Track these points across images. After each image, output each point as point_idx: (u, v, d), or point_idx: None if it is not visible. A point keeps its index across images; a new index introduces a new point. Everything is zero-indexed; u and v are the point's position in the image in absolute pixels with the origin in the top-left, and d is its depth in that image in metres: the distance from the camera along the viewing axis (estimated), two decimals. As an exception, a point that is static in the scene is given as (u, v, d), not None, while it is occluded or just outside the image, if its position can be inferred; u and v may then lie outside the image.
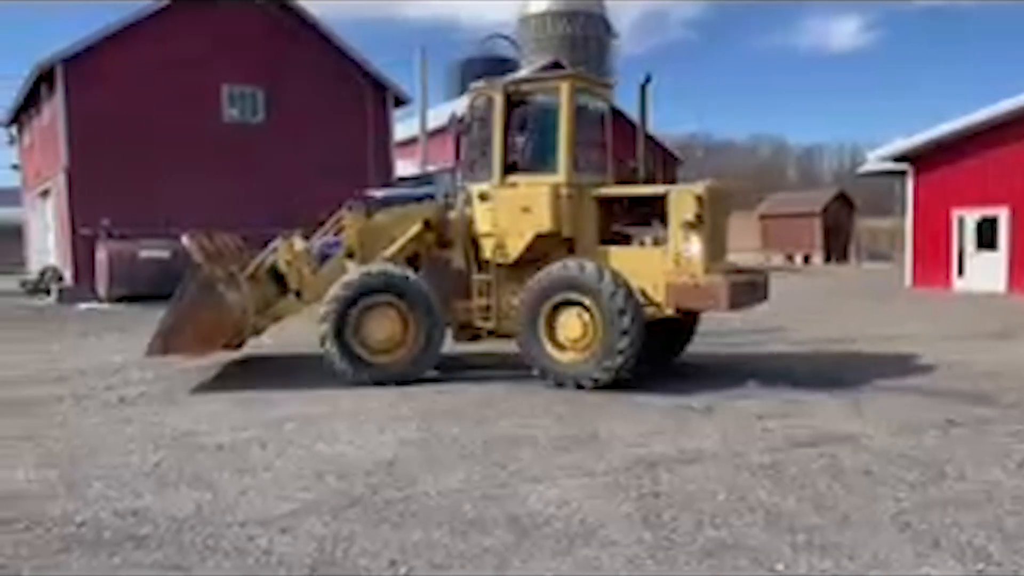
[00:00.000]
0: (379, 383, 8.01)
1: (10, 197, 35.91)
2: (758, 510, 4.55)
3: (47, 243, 26.03)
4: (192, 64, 21.96)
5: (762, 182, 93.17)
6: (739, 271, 8.52)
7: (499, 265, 8.49)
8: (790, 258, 52.21)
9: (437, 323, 8.23)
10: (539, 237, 8.18)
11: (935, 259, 21.40)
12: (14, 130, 30.92)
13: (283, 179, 22.19)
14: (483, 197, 8.49)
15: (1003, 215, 20.15)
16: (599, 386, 7.68)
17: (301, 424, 6.56)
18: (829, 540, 4.10)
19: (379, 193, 19.54)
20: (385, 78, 25.33)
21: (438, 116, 28.74)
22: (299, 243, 9.01)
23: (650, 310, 7.94)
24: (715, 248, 8.01)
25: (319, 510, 4.60)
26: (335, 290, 8.16)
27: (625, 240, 8.36)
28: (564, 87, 8.19)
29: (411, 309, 8.17)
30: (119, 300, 18.64)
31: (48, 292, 21.65)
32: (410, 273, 8.35)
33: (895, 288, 21.86)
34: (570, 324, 7.85)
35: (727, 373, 8.74)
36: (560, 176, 8.16)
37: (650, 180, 9.24)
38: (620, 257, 8.14)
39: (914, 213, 22.18)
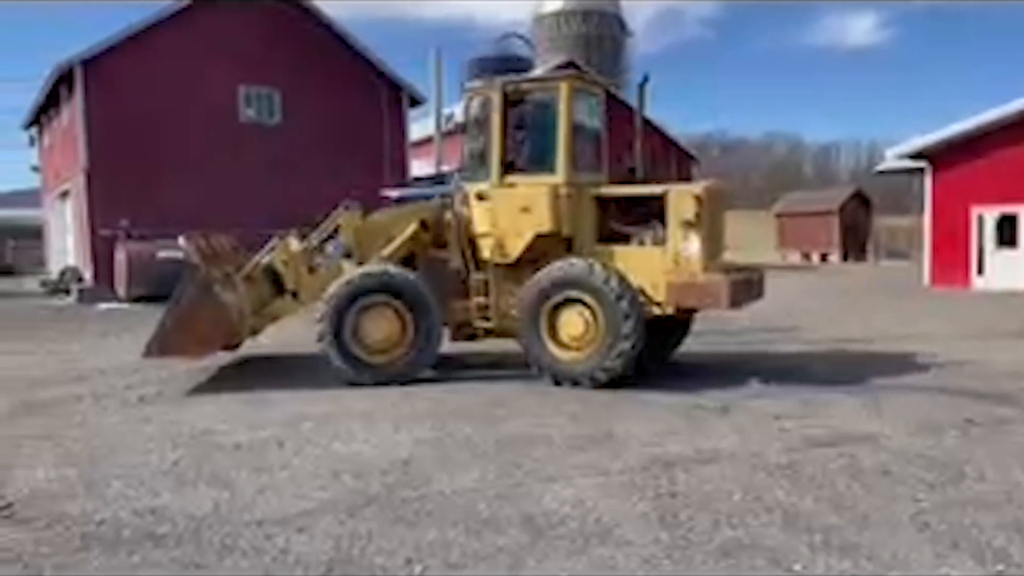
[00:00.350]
0: (377, 383, 8.01)
1: (30, 198, 36.29)
2: (775, 510, 4.52)
3: (67, 244, 26.29)
4: (209, 65, 22.12)
5: (778, 180, 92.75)
6: (736, 269, 8.57)
7: (497, 265, 8.52)
8: (807, 257, 51.93)
9: (435, 323, 8.25)
10: (539, 237, 8.22)
11: (954, 257, 21.22)
12: (34, 132, 31.24)
13: (299, 179, 22.29)
14: (481, 197, 8.53)
15: (1023, 213, 19.95)
16: (599, 384, 7.72)
17: (317, 423, 6.59)
18: (847, 540, 4.08)
19: (395, 193, 19.62)
20: (400, 78, 25.41)
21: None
22: (295, 243, 9.00)
23: (650, 309, 7.98)
24: (713, 247, 8.07)
25: (335, 509, 4.62)
26: (333, 290, 8.19)
27: (623, 239, 8.40)
28: (563, 87, 8.22)
29: (409, 309, 8.19)
30: (138, 300, 18.79)
31: (68, 292, 21.87)
32: (408, 273, 8.37)
33: (913, 287, 21.69)
34: (572, 323, 7.90)
35: (743, 372, 8.69)
36: (559, 176, 8.20)
37: (648, 179, 9.24)
38: (619, 256, 8.19)
39: (932, 211, 21.99)
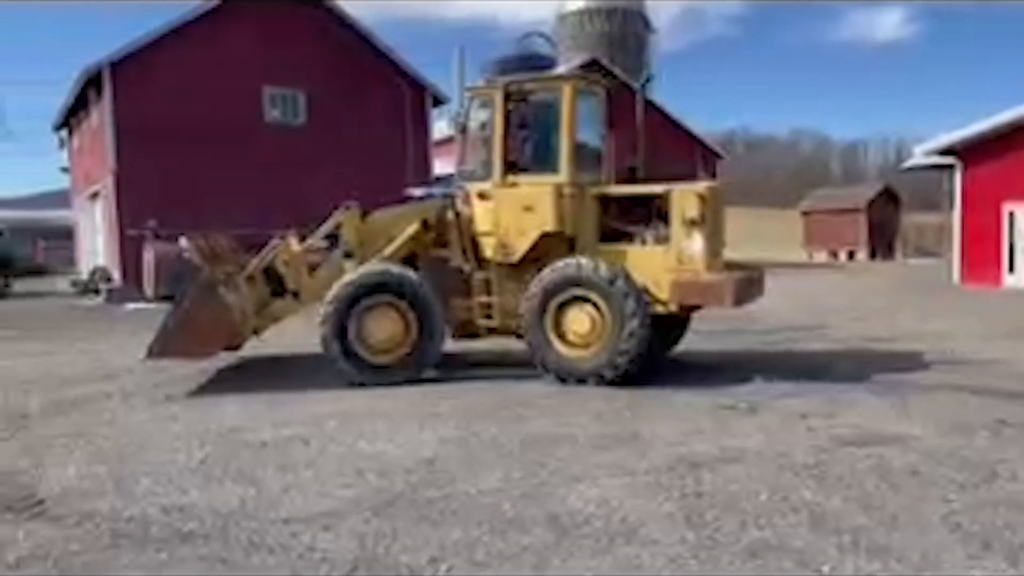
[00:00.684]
0: (380, 383, 8.01)
1: (61, 200, 36.85)
2: (802, 510, 4.48)
3: (96, 244, 26.65)
4: (234, 67, 22.32)
5: (804, 178, 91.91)
6: (737, 267, 8.61)
7: (499, 264, 8.55)
8: (833, 255, 51.41)
9: (438, 322, 8.27)
10: (542, 236, 8.26)
11: (984, 255, 20.89)
12: (64, 134, 31.71)
13: (324, 179, 22.44)
14: (483, 196, 8.56)
15: (1056, 209, 19.60)
16: (604, 382, 7.76)
17: (341, 422, 6.62)
18: (876, 541, 4.02)
19: (418, 191, 19.66)
20: (423, 78, 25.49)
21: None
22: (295, 243, 9.02)
23: (654, 307, 8.03)
24: (715, 245, 8.11)
25: (360, 507, 4.63)
26: (336, 290, 8.20)
27: (625, 238, 8.43)
28: (565, 88, 8.27)
29: (412, 308, 8.20)
30: (165, 300, 18.98)
31: (97, 292, 22.16)
32: (411, 272, 8.38)
33: (943, 285, 21.39)
34: (578, 321, 7.94)
35: (768, 371, 8.62)
36: (562, 176, 8.24)
37: (650, 178, 9.25)
38: (622, 255, 8.22)
39: (962, 208, 21.67)
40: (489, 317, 8.64)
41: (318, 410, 7.05)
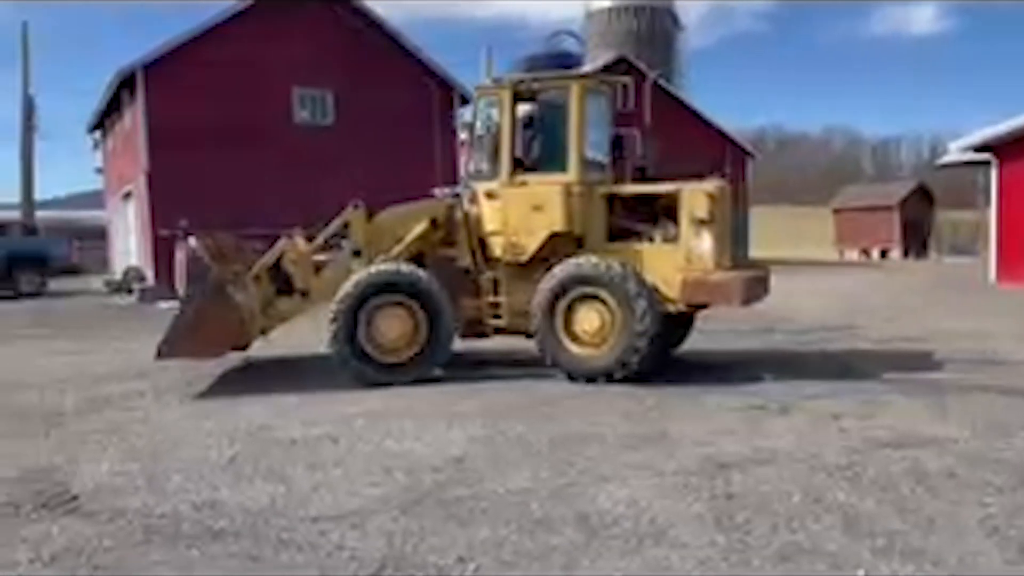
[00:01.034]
0: (389, 383, 8.01)
1: (95, 200, 37.45)
2: (836, 513, 4.40)
3: (130, 244, 27.04)
4: (264, 68, 22.53)
5: (836, 176, 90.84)
6: (745, 266, 8.63)
7: (508, 263, 8.56)
8: (866, 253, 50.75)
9: (447, 322, 8.26)
10: (551, 236, 8.27)
11: (1021, 254, 20.46)
12: (98, 135, 32.23)
13: (352, 179, 22.55)
14: (490, 196, 8.57)
15: (1096, 206, 19.16)
16: (614, 380, 7.79)
17: (369, 420, 6.64)
18: (912, 545, 3.95)
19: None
20: (451, 77, 25.53)
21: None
22: (301, 242, 9.03)
23: (663, 305, 8.05)
24: (723, 244, 8.13)
25: (388, 506, 4.64)
26: (346, 289, 8.20)
27: (633, 237, 8.44)
28: (574, 87, 8.29)
29: (422, 308, 8.20)
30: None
31: (130, 291, 22.48)
32: (420, 271, 8.38)
33: (978, 284, 21.01)
34: (588, 319, 7.96)
35: (800, 371, 8.52)
36: (571, 175, 8.26)
37: (658, 177, 9.29)
38: (631, 253, 8.23)
39: (998, 205, 21.24)
40: (497, 316, 8.67)
41: (346, 409, 7.08)
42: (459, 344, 8.81)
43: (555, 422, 6.48)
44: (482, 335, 8.87)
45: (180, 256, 19.76)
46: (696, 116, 38.39)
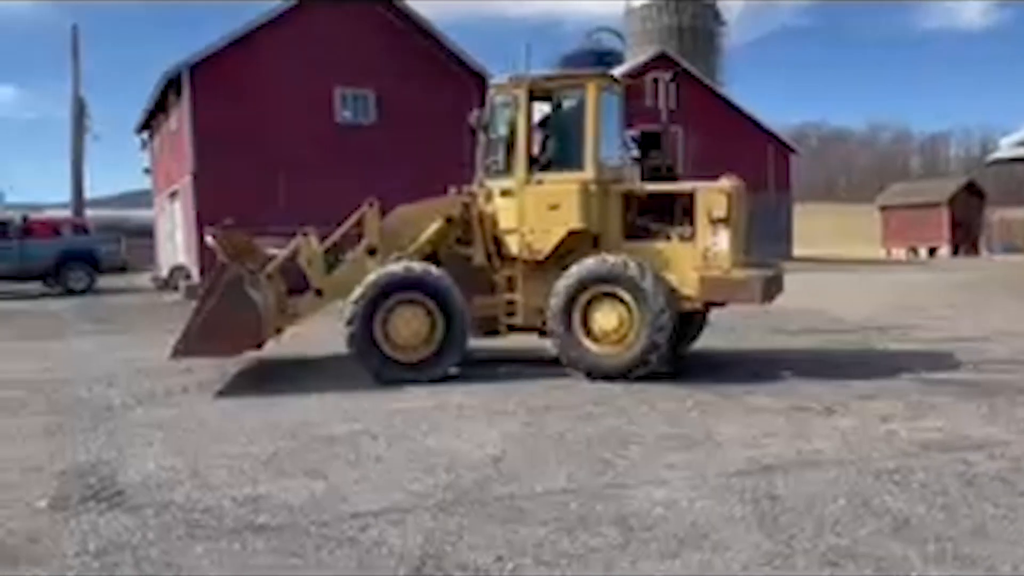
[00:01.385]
0: (405, 381, 8.00)
1: (143, 199, 38.24)
2: (884, 517, 4.29)
3: (176, 242, 27.57)
4: (307, 68, 22.80)
5: (883, 172, 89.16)
6: (760, 265, 8.63)
7: (523, 261, 8.55)
8: (913, 251, 49.67)
9: (463, 319, 8.25)
10: (568, 234, 8.27)
11: (1078, 251, 19.83)
12: (145, 135, 32.89)
13: (393, 177, 22.72)
14: (506, 193, 8.56)
15: None
16: (633, 378, 7.80)
17: (409, 417, 6.66)
18: (963, 551, 3.83)
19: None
20: (490, 76, 25.55)
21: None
22: (315, 241, 9.04)
23: (681, 304, 8.09)
24: (739, 243, 8.15)
25: (427, 503, 4.64)
26: (362, 288, 8.21)
27: (648, 235, 8.45)
28: (590, 86, 8.30)
29: (438, 306, 8.20)
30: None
31: (176, 289, 22.89)
32: (436, 270, 8.38)
33: (1032, 283, 20.42)
34: (606, 317, 7.97)
35: (845, 372, 8.35)
36: (588, 173, 8.26)
37: (672, 174, 9.43)
38: (647, 252, 8.22)
39: (1054, 202, 20.60)
40: (512, 314, 8.68)
41: (384, 406, 7.11)
42: (489, 342, 8.81)
43: (594, 422, 6.43)
44: (496, 333, 8.90)
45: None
46: (738, 112, 37.94)
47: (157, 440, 6.19)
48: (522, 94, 8.47)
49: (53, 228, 23.28)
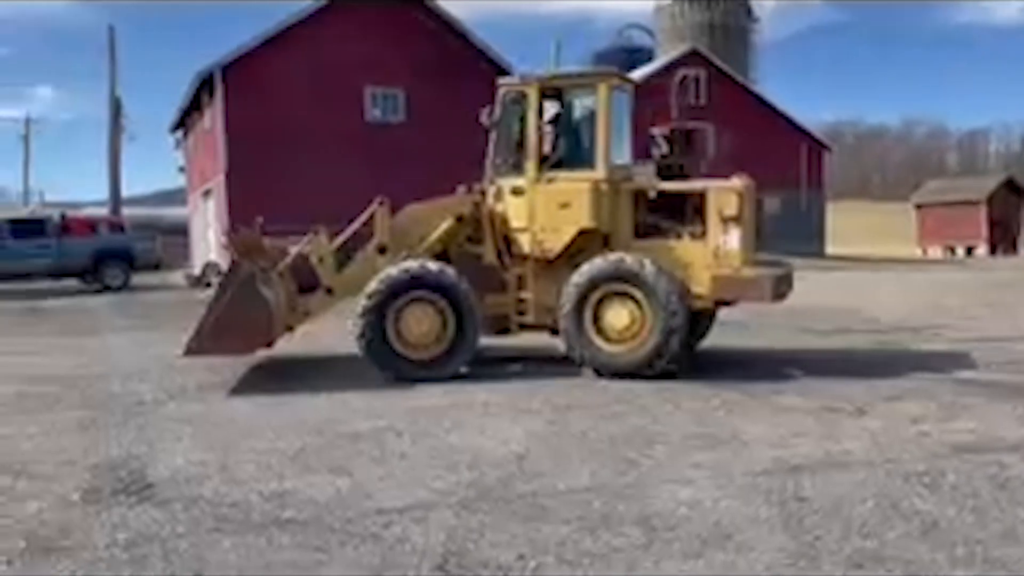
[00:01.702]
0: (416, 379, 8.01)
1: (177, 197, 38.80)
2: (912, 519, 4.23)
3: (209, 240, 27.93)
4: (337, 68, 22.99)
5: (918, 169, 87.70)
6: (768, 263, 8.69)
7: (534, 259, 8.58)
8: (950, 250, 48.80)
9: (475, 318, 8.26)
10: (579, 232, 8.30)
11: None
12: (179, 135, 33.36)
13: (423, 175, 22.79)
14: (516, 192, 8.59)
15: None
16: (644, 377, 7.80)
17: (434, 415, 6.69)
18: (992, 554, 3.76)
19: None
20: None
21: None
22: (325, 239, 9.05)
23: (692, 302, 8.10)
24: (750, 242, 8.19)
25: (451, 500, 4.66)
26: (374, 286, 8.23)
27: (658, 233, 8.48)
28: (601, 86, 8.36)
29: (450, 304, 8.21)
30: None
31: (208, 285, 23.18)
32: (448, 268, 8.38)
33: (1073, 282, 19.96)
34: (618, 316, 8.00)
35: (877, 372, 8.24)
36: (599, 172, 8.29)
37: (683, 173, 9.37)
38: (657, 250, 8.24)
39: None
40: (523, 313, 8.71)
41: (410, 403, 7.14)
42: (500, 341, 8.84)
43: (619, 420, 6.41)
44: (506, 332, 8.93)
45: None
46: (770, 109, 37.55)
47: (186, 435, 6.28)
48: (533, 93, 8.53)
49: (90, 226, 23.67)
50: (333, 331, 9.81)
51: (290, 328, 8.97)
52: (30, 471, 5.40)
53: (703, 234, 8.24)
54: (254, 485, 5.01)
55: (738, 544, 3.96)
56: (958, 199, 49.75)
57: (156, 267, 23.67)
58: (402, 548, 4.02)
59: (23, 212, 29.51)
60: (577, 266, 8.19)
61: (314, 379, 8.51)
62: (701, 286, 8.16)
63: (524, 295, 8.71)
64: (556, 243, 8.42)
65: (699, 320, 8.95)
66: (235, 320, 8.00)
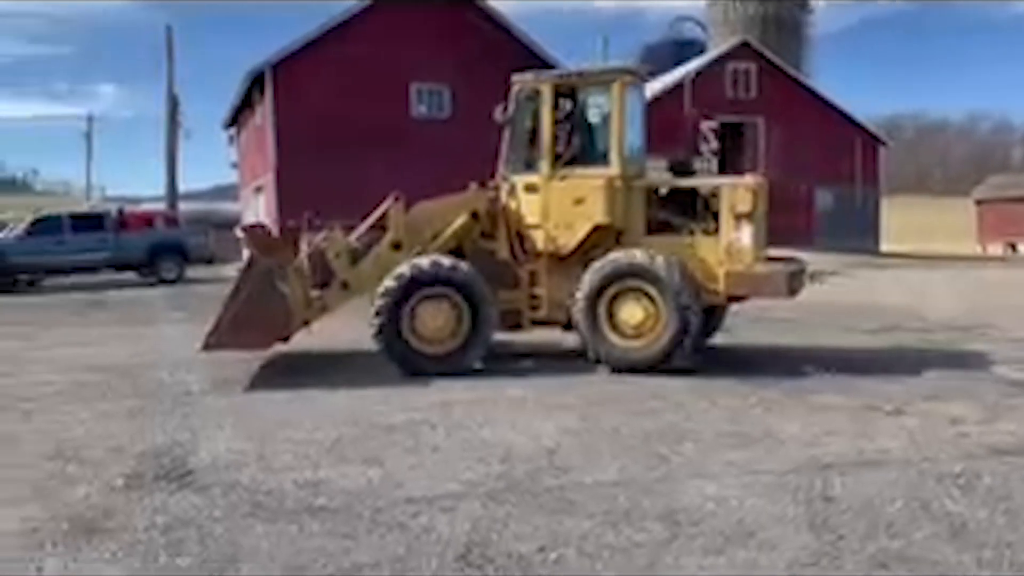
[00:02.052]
0: (430, 374, 8.06)
1: (231, 193, 39.66)
2: (942, 521, 4.17)
3: (260, 235, 28.50)
4: (384, 65, 23.25)
5: (981, 165, 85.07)
6: (781, 260, 8.74)
7: (548, 255, 8.64)
8: (1012, 247, 47.25)
9: (490, 314, 8.31)
10: (593, 229, 8.34)
11: None
12: (232, 131, 34.08)
13: (468, 170, 22.94)
14: (530, 188, 8.66)
15: None
16: (656, 372, 7.87)
17: (468, 408, 6.77)
18: (1020, 558, 3.70)
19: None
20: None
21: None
22: (341, 234, 9.14)
23: (705, 298, 8.14)
24: (761, 239, 8.23)
25: (479, 492, 4.73)
26: (389, 282, 8.29)
27: (670, 230, 8.53)
28: (615, 84, 8.42)
29: (465, 300, 8.26)
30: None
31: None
32: (463, 264, 8.43)
33: None
34: (632, 311, 8.05)
35: (921, 371, 8.09)
36: (614, 169, 8.35)
37: (691, 169, 9.60)
38: (670, 246, 8.27)
39: None
40: (536, 308, 8.78)
41: (445, 397, 7.22)
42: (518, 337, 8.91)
43: (652, 417, 6.41)
44: (519, 327, 8.99)
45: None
46: (824, 103, 36.80)
47: (228, 424, 6.47)
48: (547, 90, 8.61)
49: (146, 220, 24.34)
50: (358, 327, 9.94)
51: (306, 323, 9.05)
52: (80, 456, 5.64)
53: (716, 230, 8.30)
54: (289, 473, 5.16)
55: (761, 542, 3.96)
56: (1021, 195, 48.13)
57: (209, 261, 24.19)
58: (427, 537, 4.11)
59: (85, 207, 30.49)
60: (590, 262, 8.27)
61: (348, 374, 8.59)
62: (714, 282, 8.22)
63: (537, 291, 8.81)
64: (570, 239, 8.49)
65: (710, 317, 8.95)
66: (253, 315, 8.12)
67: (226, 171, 40.59)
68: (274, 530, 4.26)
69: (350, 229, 9.39)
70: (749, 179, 8.49)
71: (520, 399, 7.10)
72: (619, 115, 8.41)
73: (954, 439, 5.66)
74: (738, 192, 8.21)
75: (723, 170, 26.21)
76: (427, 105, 24.41)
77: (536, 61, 25.01)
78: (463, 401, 7.05)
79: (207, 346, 8.29)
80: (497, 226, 8.97)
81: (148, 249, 22.38)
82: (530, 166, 8.81)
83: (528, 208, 8.75)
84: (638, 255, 8.07)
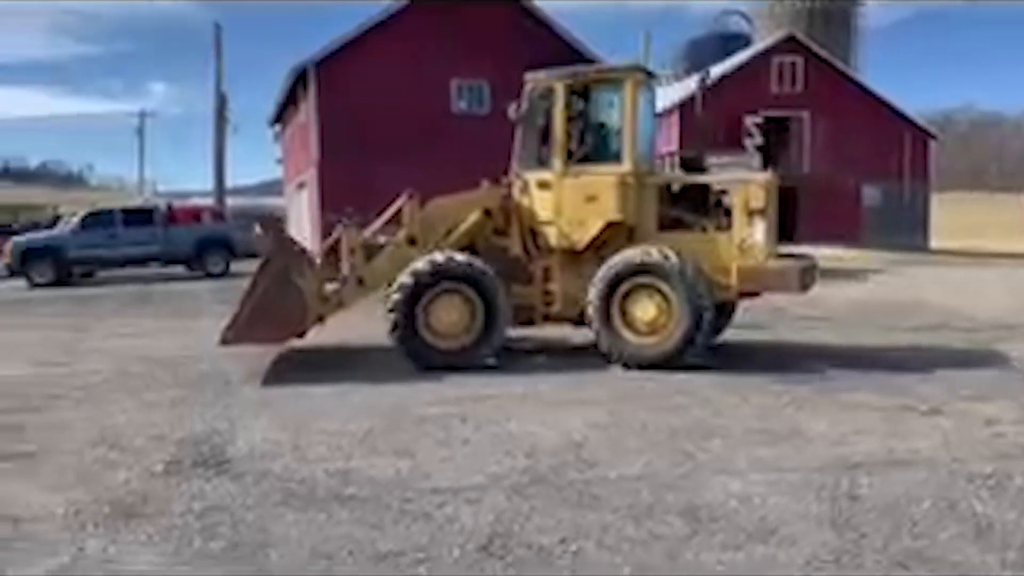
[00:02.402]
0: (445, 368, 8.13)
1: (278, 188, 40.28)
2: (968, 522, 4.14)
3: (303, 230, 28.93)
4: (424, 61, 23.40)
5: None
6: (793, 256, 8.76)
7: (561, 251, 8.71)
8: (1068, 245, 45.78)
9: (503, 309, 8.36)
10: (606, 225, 8.40)
11: None
12: (278, 128, 34.62)
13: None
14: (543, 185, 8.72)
15: None
16: (668, 368, 7.89)
17: (498, 402, 6.85)
18: (1047, 562, 3.65)
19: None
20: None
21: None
22: (356, 230, 9.19)
23: (718, 294, 8.18)
24: (773, 235, 8.28)
25: (504, 484, 4.81)
26: (404, 278, 8.36)
27: (682, 226, 8.60)
28: (628, 83, 8.49)
29: (479, 296, 8.33)
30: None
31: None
32: (477, 260, 8.48)
33: None
34: (645, 308, 8.10)
35: (961, 370, 7.95)
36: (626, 166, 8.40)
37: (702, 166, 9.52)
38: (682, 243, 8.31)
39: None
40: (549, 304, 8.86)
41: (476, 391, 7.31)
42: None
43: (680, 413, 6.43)
44: (531, 323, 9.07)
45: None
46: (872, 97, 36.06)
47: (265, 415, 6.64)
48: (560, 88, 8.68)
49: (193, 215, 24.90)
50: (366, 323, 10.05)
51: (321, 319, 9.12)
52: (123, 444, 5.85)
53: (728, 226, 8.36)
54: (321, 463, 5.30)
55: (781, 538, 3.97)
56: (1079, 190, 46.63)
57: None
58: (451, 527, 4.20)
59: (138, 202, 31.25)
60: (603, 259, 8.33)
61: (367, 369, 8.63)
62: (726, 278, 8.26)
63: (550, 287, 8.90)
64: (583, 236, 8.57)
65: (720, 313, 8.93)
66: (270, 310, 8.26)
67: (272, 167, 41.31)
68: (304, 518, 4.39)
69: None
70: (761, 176, 8.58)
71: (549, 394, 7.16)
72: (631, 113, 8.48)
73: (988, 440, 5.59)
74: (751, 189, 8.26)
75: (767, 166, 25.89)
76: (467, 101, 24.51)
77: (577, 57, 24.97)
78: (493, 396, 7.12)
79: (224, 340, 8.42)
80: (510, 223, 9.07)
81: (195, 243, 22.87)
82: (543, 163, 8.89)
83: (541, 205, 8.84)
84: (650, 252, 8.11)
